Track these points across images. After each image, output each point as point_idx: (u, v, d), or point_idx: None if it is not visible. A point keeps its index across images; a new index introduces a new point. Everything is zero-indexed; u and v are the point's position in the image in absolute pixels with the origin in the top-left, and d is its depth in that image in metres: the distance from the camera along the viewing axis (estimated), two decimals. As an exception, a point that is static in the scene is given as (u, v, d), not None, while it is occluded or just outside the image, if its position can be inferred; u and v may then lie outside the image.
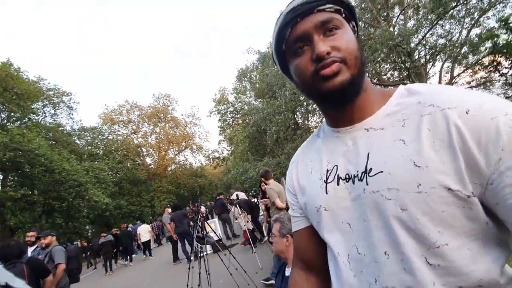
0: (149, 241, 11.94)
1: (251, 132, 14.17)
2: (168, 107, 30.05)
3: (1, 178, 16.00)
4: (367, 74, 0.59)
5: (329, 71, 0.51)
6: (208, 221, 6.70)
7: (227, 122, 20.13)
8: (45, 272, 3.17)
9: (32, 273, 2.89)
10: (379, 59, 9.66)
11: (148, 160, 29.69)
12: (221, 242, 5.90)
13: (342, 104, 0.57)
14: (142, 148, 29.09)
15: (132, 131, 28.84)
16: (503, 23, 8.40)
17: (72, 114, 22.69)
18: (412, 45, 10.11)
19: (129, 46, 77.70)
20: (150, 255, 11.74)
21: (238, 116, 18.79)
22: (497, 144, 0.41)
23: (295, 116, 14.77)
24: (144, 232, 12.09)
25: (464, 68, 11.71)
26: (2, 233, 14.44)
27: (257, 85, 16.73)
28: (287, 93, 11.69)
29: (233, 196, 7.92)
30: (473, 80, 12.42)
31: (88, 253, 13.87)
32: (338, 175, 0.60)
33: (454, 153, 0.44)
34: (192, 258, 4.54)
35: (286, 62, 0.62)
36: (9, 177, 16.27)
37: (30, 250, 4.04)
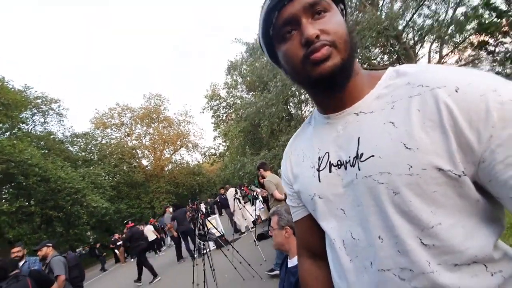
0: (155, 240, 12.79)
1: (245, 126, 14.13)
2: (160, 107, 29.77)
3: (-4, 191, 15.76)
4: (358, 60, 0.58)
5: (319, 55, 0.50)
6: (208, 218, 6.72)
7: (220, 118, 20.05)
8: (48, 283, 3.19)
9: (36, 285, 2.91)
10: (367, 44, 9.63)
11: (144, 162, 29.53)
12: (223, 238, 5.93)
13: (333, 89, 0.56)
14: (137, 150, 28.84)
15: (126, 133, 28.55)
16: (485, 5, 8.45)
17: (63, 121, 22.41)
18: (400, 27, 10.11)
19: (116, 47, 76.33)
20: (160, 251, 12.87)
21: (231, 111, 18.70)
22: (488, 121, 0.41)
23: (288, 107, 14.72)
24: (149, 232, 12.55)
25: (452, 48, 11.76)
26: (2, 246, 14.30)
27: (248, 78, 16.60)
28: (279, 84, 11.63)
29: (231, 192, 7.96)
30: (461, 59, 12.51)
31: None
32: (330, 162, 0.60)
33: (445, 133, 0.44)
34: (196, 255, 4.56)
35: (273, 48, 0.60)
36: (4, 190, 16.03)
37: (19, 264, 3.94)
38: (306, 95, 14.62)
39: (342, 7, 0.59)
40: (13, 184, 15.14)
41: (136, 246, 7.04)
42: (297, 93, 13.07)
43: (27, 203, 14.99)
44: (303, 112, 15.29)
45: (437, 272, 0.46)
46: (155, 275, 6.99)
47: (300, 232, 0.77)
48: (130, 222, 7.64)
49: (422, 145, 0.46)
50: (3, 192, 16.03)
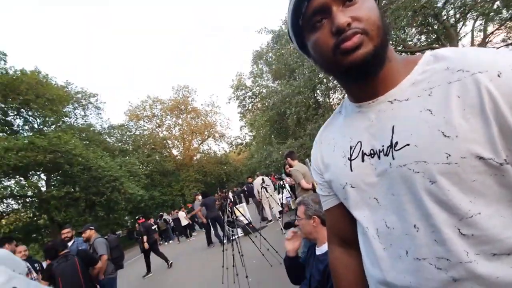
0: (187, 224, 13.48)
1: (271, 115, 14.07)
2: (188, 98, 30.62)
3: (45, 179, 17.46)
4: (390, 42, 0.56)
5: (351, 44, 0.49)
6: (237, 206, 6.91)
7: (246, 108, 20.13)
8: (93, 261, 3.52)
9: (82, 263, 3.25)
10: (403, 24, 8.98)
11: (175, 152, 30.83)
12: (251, 225, 6.07)
13: (364, 78, 0.55)
14: (168, 141, 30.16)
15: (157, 125, 29.89)
16: None
17: (100, 113, 24.00)
18: (439, 4, 9.28)
19: (141, 40, 79.02)
20: (191, 236, 13.42)
21: (257, 100, 18.67)
22: None
23: (315, 94, 14.35)
24: (182, 217, 13.38)
25: (498, 25, 10.58)
26: (51, 228, 15.96)
27: (273, 67, 16.39)
28: (306, 71, 11.34)
29: (259, 180, 8.04)
30: (509, 37, 11.24)
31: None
32: (362, 151, 0.59)
33: (487, 120, 0.43)
34: (224, 241, 4.74)
35: (303, 38, 0.59)
36: (52, 178, 17.72)
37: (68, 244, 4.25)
38: (335, 81, 14.15)
39: None
40: (60, 172, 16.68)
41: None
42: (324, 80, 12.68)
43: (72, 190, 16.44)
44: (330, 100, 14.85)
45: (475, 262, 0.45)
46: (149, 270, 7.58)
47: (331, 220, 0.77)
48: (141, 218, 8.09)
49: (461, 132, 0.44)
50: (52, 180, 17.73)
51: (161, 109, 29.86)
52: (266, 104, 14.42)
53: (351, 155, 0.61)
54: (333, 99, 14.90)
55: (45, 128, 18.63)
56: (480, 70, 0.44)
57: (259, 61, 18.70)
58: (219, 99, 53.30)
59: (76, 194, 16.40)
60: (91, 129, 22.37)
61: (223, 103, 48.89)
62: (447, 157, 0.45)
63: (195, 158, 31.01)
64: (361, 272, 0.67)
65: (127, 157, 22.38)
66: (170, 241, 14.86)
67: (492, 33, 11.13)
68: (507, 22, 10.25)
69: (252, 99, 19.55)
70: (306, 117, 12.54)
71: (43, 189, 16.53)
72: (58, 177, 17.66)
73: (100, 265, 3.63)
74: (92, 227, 4.28)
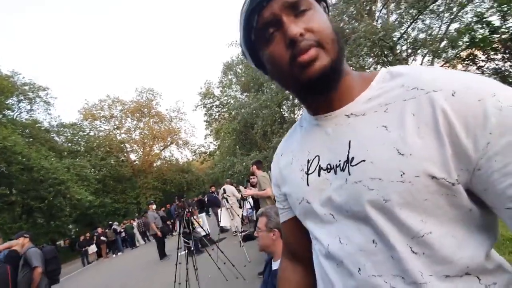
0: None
1: (237, 126, 14.12)
2: (152, 101, 29.38)
3: (-25, 178, 15.18)
4: (352, 68, 0.57)
5: (307, 57, 0.47)
6: (195, 217, 6.66)
7: (213, 117, 19.94)
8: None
9: (14, 272, 2.89)
10: (362, 53, 9.78)
11: (133, 156, 29.04)
12: (209, 237, 5.88)
13: (323, 93, 0.53)
14: (126, 144, 28.34)
15: (115, 126, 28.03)
16: (478, 18, 8.72)
17: (50, 109, 21.84)
18: (394, 39, 10.32)
19: (108, 38, 75.19)
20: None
21: (224, 110, 18.64)
22: (485, 127, 0.39)
23: (281, 110, 14.79)
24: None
25: (444, 62, 12.07)
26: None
27: (242, 79, 16.60)
28: (273, 86, 11.68)
29: (221, 191, 7.88)
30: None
31: None
32: (319, 165, 0.57)
33: (441, 139, 0.42)
34: (180, 253, 4.50)
35: (258, 54, 0.57)
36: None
37: None
38: (300, 99, 14.78)
39: (325, 4, 0.57)
40: (-6, 172, 14.65)
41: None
42: (290, 96, 13.17)
43: (8, 192, 14.50)
44: (295, 116, 15.39)
45: (430, 283, 0.44)
46: None
47: (285, 233, 0.78)
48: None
49: (415, 151, 0.43)
50: (-17, 180, 15.48)
51: (121, 110, 28.15)
52: (233, 114, 14.47)
53: (308, 169, 0.60)
54: (297, 115, 15.48)
55: (-19, 120, 16.39)
56: (435, 89, 0.44)
57: (229, 72, 18.82)
58: (185, 105, 51.90)
59: (11, 197, 14.47)
60: (37, 125, 20.21)
61: (189, 110, 47.72)
62: (401, 175, 0.44)
63: (155, 164, 29.53)
64: None
65: (77, 159, 20.52)
66: (119, 253, 13.78)
67: (437, 69, 12.65)
68: (451, 61, 11.74)
69: (220, 109, 19.46)
70: (272, 130, 12.81)
71: (-29, 190, 14.34)
72: (-9, 177, 15.48)
73: (33, 277, 3.21)
74: (26, 235, 3.77)
